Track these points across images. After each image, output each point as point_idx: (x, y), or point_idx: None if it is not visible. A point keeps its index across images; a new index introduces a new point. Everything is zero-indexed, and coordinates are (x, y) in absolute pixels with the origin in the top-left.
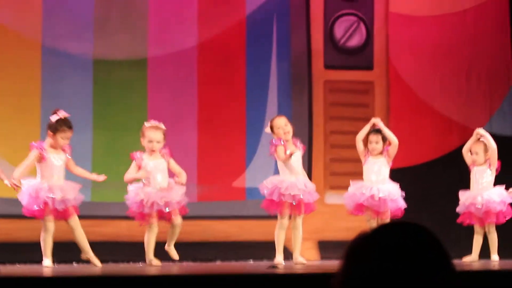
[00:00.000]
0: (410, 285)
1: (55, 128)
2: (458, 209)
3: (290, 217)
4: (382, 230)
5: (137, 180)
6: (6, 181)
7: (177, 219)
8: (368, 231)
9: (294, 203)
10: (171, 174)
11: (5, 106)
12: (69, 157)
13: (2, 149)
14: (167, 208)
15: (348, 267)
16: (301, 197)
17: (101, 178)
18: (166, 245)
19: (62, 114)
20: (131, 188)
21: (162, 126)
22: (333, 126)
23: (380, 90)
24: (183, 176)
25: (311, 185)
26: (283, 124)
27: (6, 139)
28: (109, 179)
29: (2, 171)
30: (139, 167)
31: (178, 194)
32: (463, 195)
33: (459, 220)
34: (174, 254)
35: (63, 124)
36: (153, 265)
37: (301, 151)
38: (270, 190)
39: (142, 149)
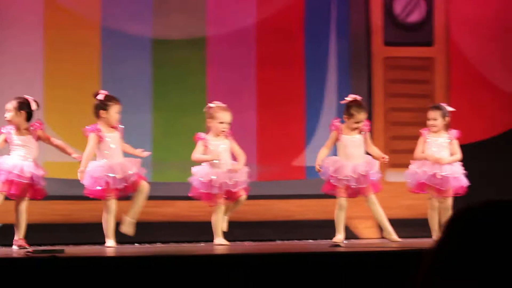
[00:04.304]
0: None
1: (106, 105)
2: None
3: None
4: (493, 208)
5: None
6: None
7: (243, 197)
8: (477, 205)
9: (350, 185)
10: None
11: (66, 88)
12: (121, 134)
13: (63, 131)
14: (235, 189)
15: (445, 242)
16: (351, 182)
17: (144, 154)
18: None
19: (103, 93)
20: (196, 168)
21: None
22: (393, 103)
23: (441, 67)
24: (241, 160)
25: (368, 167)
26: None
27: (67, 121)
28: (170, 159)
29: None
30: (206, 148)
31: (243, 174)
32: None
33: None
34: (224, 227)
35: (112, 98)
36: (222, 244)
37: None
38: (324, 171)
39: (203, 130)
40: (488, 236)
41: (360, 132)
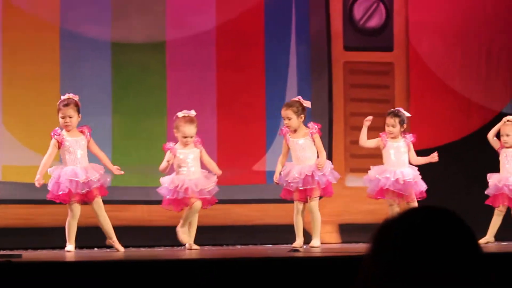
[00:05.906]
0: (437, 270)
1: (57, 111)
2: (487, 191)
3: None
4: (410, 214)
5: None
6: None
7: (198, 204)
8: (396, 215)
9: (300, 188)
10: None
11: (24, 90)
12: (88, 138)
13: (21, 134)
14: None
15: (375, 251)
16: (298, 184)
17: (119, 172)
18: (179, 226)
19: (65, 97)
20: (164, 178)
21: (193, 113)
22: (353, 108)
23: (400, 71)
24: (214, 167)
25: (315, 168)
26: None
27: (25, 125)
28: (129, 163)
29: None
30: (174, 157)
31: (211, 183)
32: (492, 178)
33: (489, 202)
34: (190, 239)
35: (59, 104)
36: (192, 249)
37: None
38: (280, 177)
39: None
40: (415, 243)
41: (307, 136)
